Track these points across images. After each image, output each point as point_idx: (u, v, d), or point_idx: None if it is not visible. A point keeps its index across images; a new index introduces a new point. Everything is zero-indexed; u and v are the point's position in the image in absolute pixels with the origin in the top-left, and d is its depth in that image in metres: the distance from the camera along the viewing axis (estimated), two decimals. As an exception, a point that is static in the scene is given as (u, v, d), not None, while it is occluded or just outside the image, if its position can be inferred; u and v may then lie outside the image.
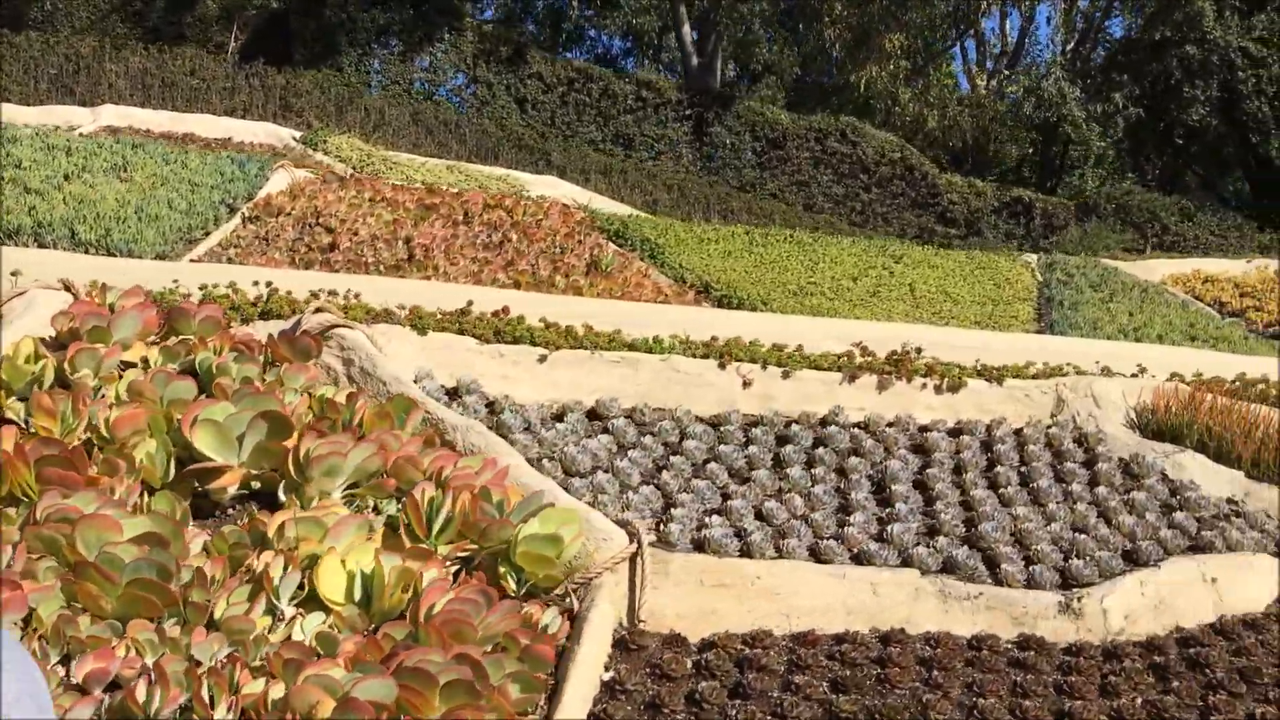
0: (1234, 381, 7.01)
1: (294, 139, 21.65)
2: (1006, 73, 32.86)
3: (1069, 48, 36.89)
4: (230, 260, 11.57)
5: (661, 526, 4.63)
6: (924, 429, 6.04)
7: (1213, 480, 5.90)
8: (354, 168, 20.48)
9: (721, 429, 5.62)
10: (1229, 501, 5.83)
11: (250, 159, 14.24)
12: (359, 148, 21.53)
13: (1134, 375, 6.81)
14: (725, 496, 5.09)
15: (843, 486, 5.38)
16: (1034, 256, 19.39)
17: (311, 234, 12.61)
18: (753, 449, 5.48)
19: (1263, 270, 19.32)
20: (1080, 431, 6.14)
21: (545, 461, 4.89)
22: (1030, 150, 39.06)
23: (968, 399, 6.25)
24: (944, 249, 20.05)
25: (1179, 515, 5.47)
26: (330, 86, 23.53)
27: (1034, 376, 6.47)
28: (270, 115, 22.80)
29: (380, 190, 14.41)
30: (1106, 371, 6.73)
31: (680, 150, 29.84)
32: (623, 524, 4.44)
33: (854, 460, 5.55)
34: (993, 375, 6.33)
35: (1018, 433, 6.15)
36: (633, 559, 4.31)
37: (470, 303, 6.06)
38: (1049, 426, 6.20)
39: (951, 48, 34.22)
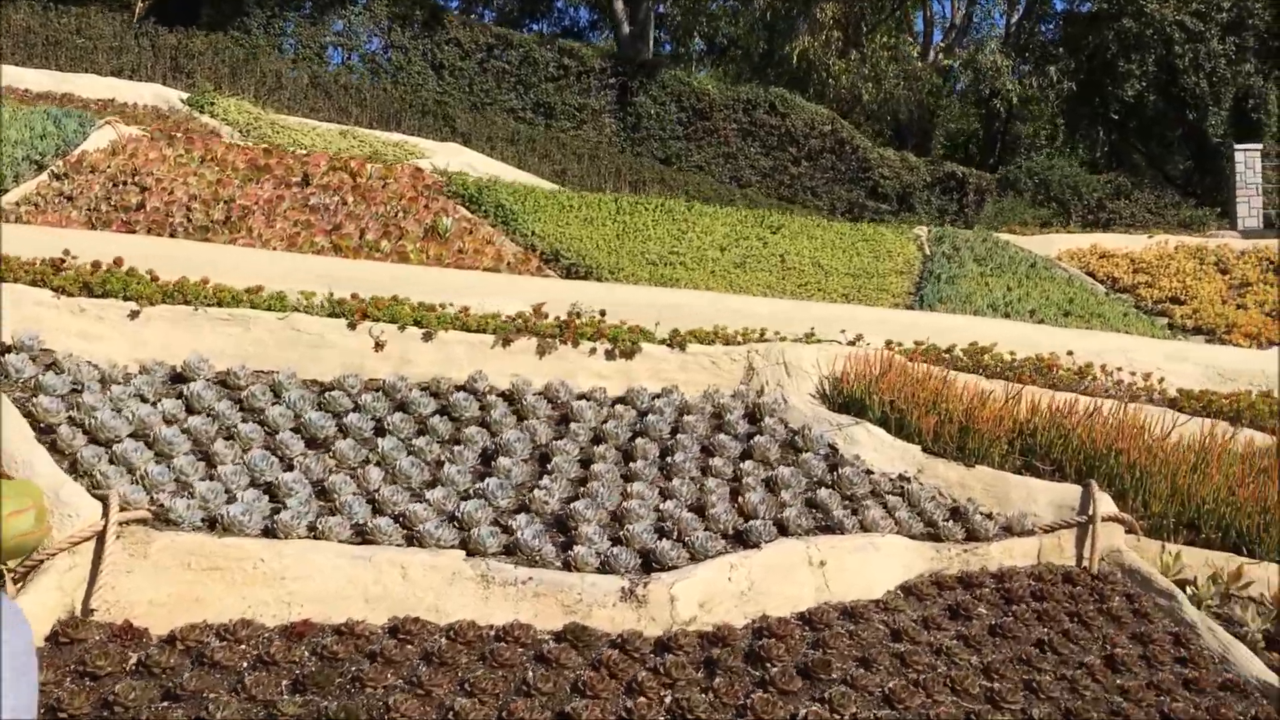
0: (966, 350, 6.51)
1: (181, 101, 21.01)
2: (942, 44, 32.26)
3: (1013, 21, 36.32)
4: (19, 220, 10.98)
5: (169, 501, 4.11)
6: (583, 396, 5.53)
7: (887, 455, 5.41)
8: (241, 131, 19.90)
9: (330, 394, 5.10)
10: (900, 478, 5.34)
11: (70, 115, 13.60)
12: (247, 110, 20.89)
13: (851, 343, 6.32)
14: (289, 468, 4.58)
15: (448, 458, 4.87)
16: (924, 230, 18.90)
17: (121, 193, 12.02)
18: (353, 417, 4.96)
19: (1162, 246, 18.86)
20: (757, 402, 5.64)
21: (65, 428, 4.37)
22: (977, 126, 38.64)
23: (643, 366, 5.74)
24: (850, 222, 19.56)
25: (822, 493, 4.98)
26: (225, 48, 22.83)
27: (727, 343, 5.97)
28: (160, 77, 22.13)
29: (212, 149, 13.81)
30: (811, 338, 6.24)
31: (603, 120, 29.25)
32: (101, 497, 3.92)
33: (472, 430, 5.04)
34: (675, 341, 5.82)
35: (707, 401, 5.65)
36: (100, 537, 3.80)
37: (67, 252, 5.51)
38: (728, 395, 5.70)
39: (886, 19, 33.56)
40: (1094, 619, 4.72)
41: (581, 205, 15.67)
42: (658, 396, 5.60)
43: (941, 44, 31.90)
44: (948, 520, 5.02)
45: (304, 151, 15.62)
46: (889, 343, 6.43)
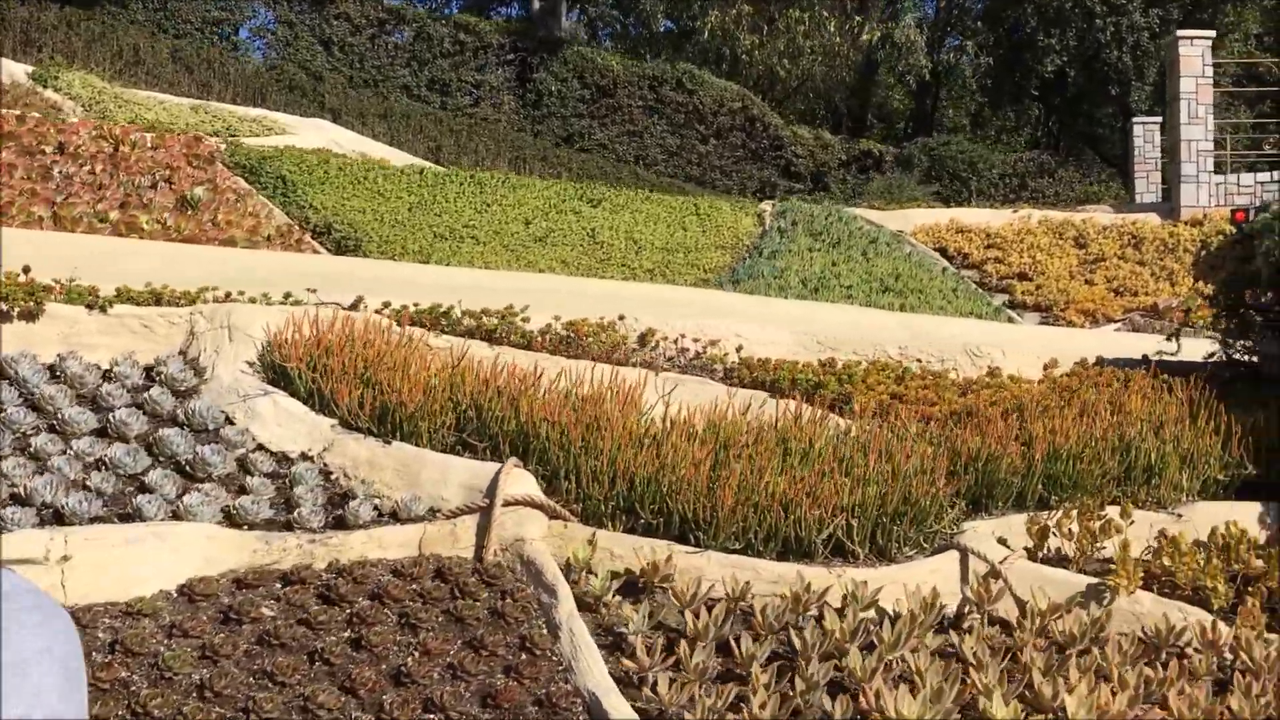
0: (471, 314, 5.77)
1: (26, 75, 20.30)
2: (858, 19, 31.40)
3: (943, -4, 35.39)
4: None
5: None
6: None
7: (294, 431, 4.70)
8: (84, 106, 19.22)
9: None
10: (303, 457, 4.63)
11: None
12: (92, 85, 20.18)
13: (295, 303, 5.58)
14: None
15: None
16: (770, 204, 18.15)
17: None
18: None
19: (1024, 220, 18.07)
20: (167, 371, 4.92)
21: None
22: (910, 103, 37.80)
23: (50, 329, 5.02)
24: (692, 195, 18.83)
25: (154, 475, 4.26)
26: (79, 22, 22.09)
27: (170, 303, 5.24)
28: (9, 51, 21.39)
29: (-40, 118, 13.10)
30: (266, 299, 5.51)
31: (502, 97, 28.49)
32: None
33: None
34: (96, 302, 5.10)
35: (108, 371, 4.94)
36: None
37: None
38: (138, 364, 4.98)
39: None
40: (438, 621, 4.00)
41: (381, 177, 14.94)
42: (55, 365, 4.89)
43: (859, 19, 31.00)
44: (312, 508, 4.31)
45: (139, 126, 14.92)
46: (405, 307, 5.70)
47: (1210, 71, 18.77)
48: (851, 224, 17.04)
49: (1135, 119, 24.06)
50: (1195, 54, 18.61)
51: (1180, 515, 5.47)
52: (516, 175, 20.96)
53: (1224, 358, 6.51)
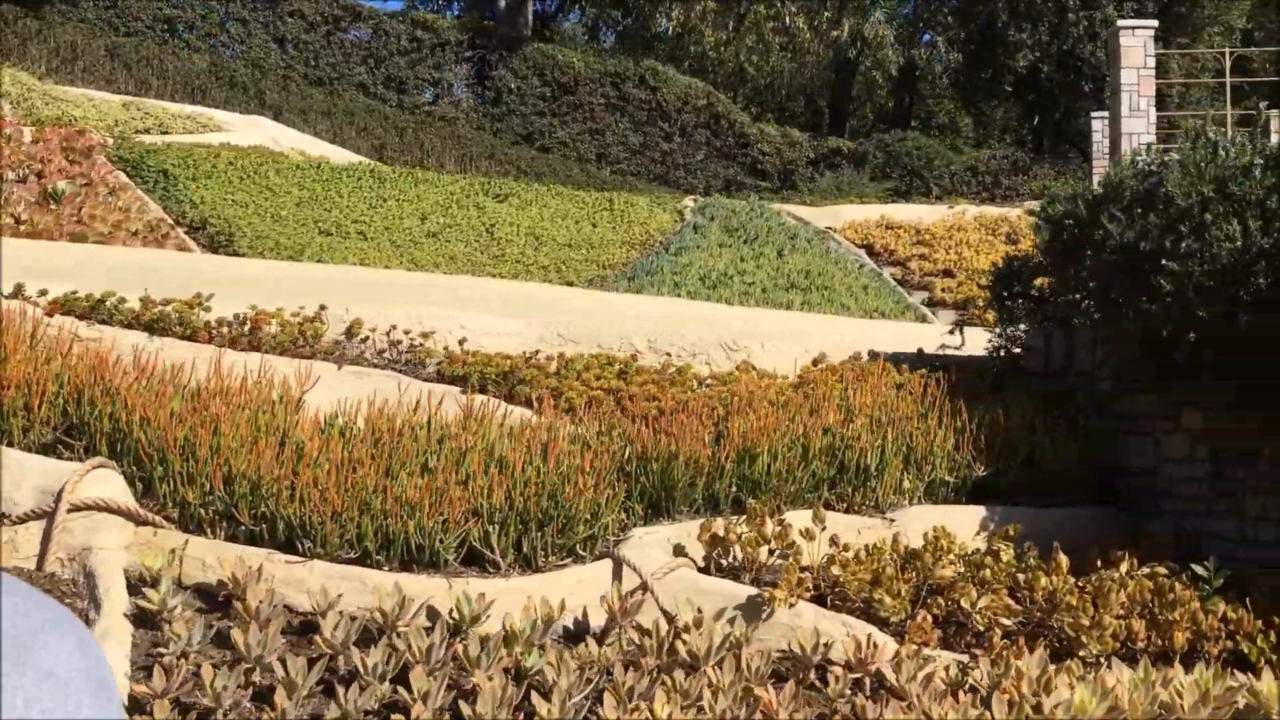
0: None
1: (-44, 73, 20.13)
2: (827, 15, 30.91)
3: (920, -8, 34.84)
4: None
5: None
6: None
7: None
8: (12, 103, 19.01)
9: None
10: None
11: None
12: (21, 82, 19.98)
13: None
14: None
15: None
16: (693, 200, 17.73)
17: None
18: None
19: (959, 216, 17.58)
20: None
21: None
22: (891, 101, 37.26)
23: None
24: (615, 190, 18.44)
25: None
26: (16, 19, 21.90)
27: None
28: (-56, 48, 21.22)
29: None
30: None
31: (460, 95, 28.19)
32: None
33: None
34: None
35: None
36: None
37: None
38: None
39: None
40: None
41: (273, 172, 14.61)
42: None
43: (828, 14, 30.50)
44: None
45: (24, 121, 14.66)
46: (61, 297, 5.32)
47: (1152, 63, 18.20)
48: (773, 220, 16.60)
49: (1094, 113, 23.50)
50: (1137, 45, 18.04)
51: (892, 520, 5.03)
52: (449, 173, 20.64)
53: (1004, 351, 6.05)
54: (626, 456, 4.75)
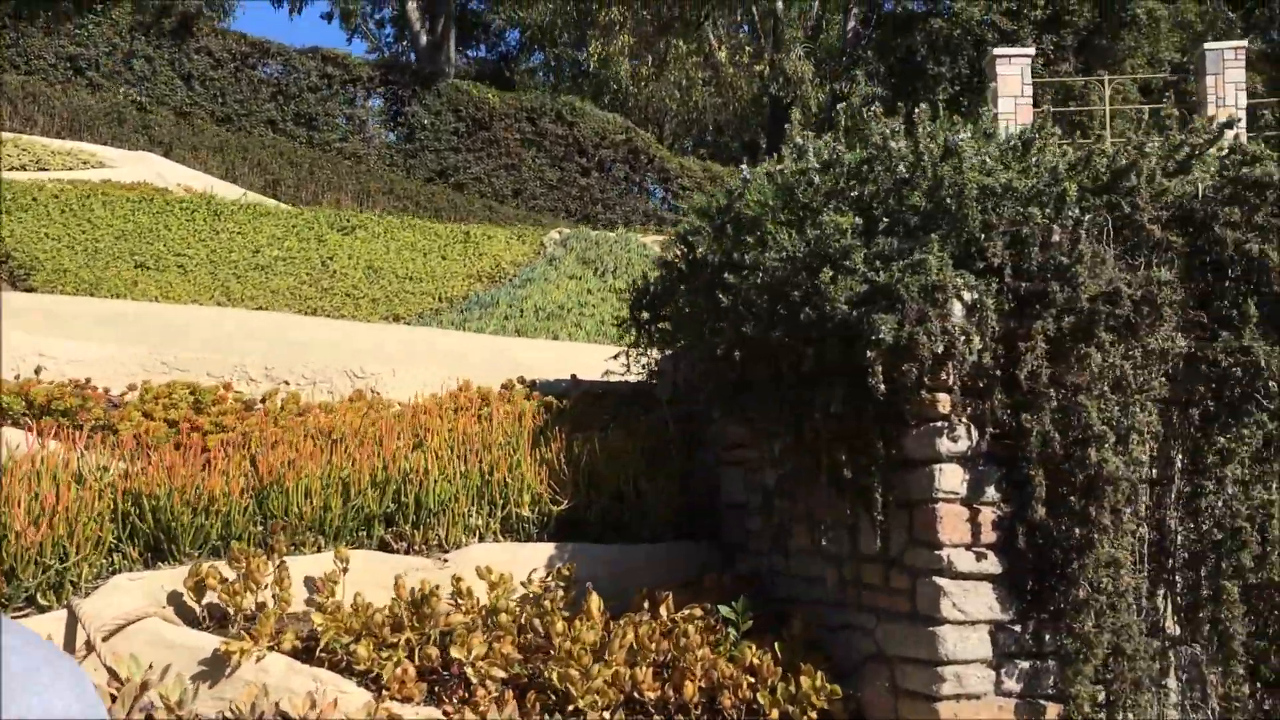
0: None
1: None
2: (748, 49, 30.78)
3: (849, 27, 34.81)
4: None
5: None
6: None
7: None
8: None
9: None
10: None
11: None
12: (-106, 118, 19.69)
13: None
14: None
15: None
16: (558, 232, 17.38)
17: None
18: None
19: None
20: None
21: None
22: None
23: None
24: (475, 224, 18.13)
25: None
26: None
27: None
28: None
29: None
30: None
31: (371, 131, 27.94)
32: None
33: None
34: None
35: None
36: None
37: None
38: None
39: (702, 24, 32.06)
40: None
41: (100, 205, 14.22)
42: None
43: (748, 50, 30.39)
44: None
45: None
46: None
47: (1030, 91, 17.99)
48: (637, 252, 16.23)
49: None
50: (1014, 73, 17.83)
51: (446, 560, 4.59)
52: (347, 208, 20.32)
53: (645, 375, 5.64)
54: (126, 492, 4.31)
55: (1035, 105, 18.17)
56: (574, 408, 5.37)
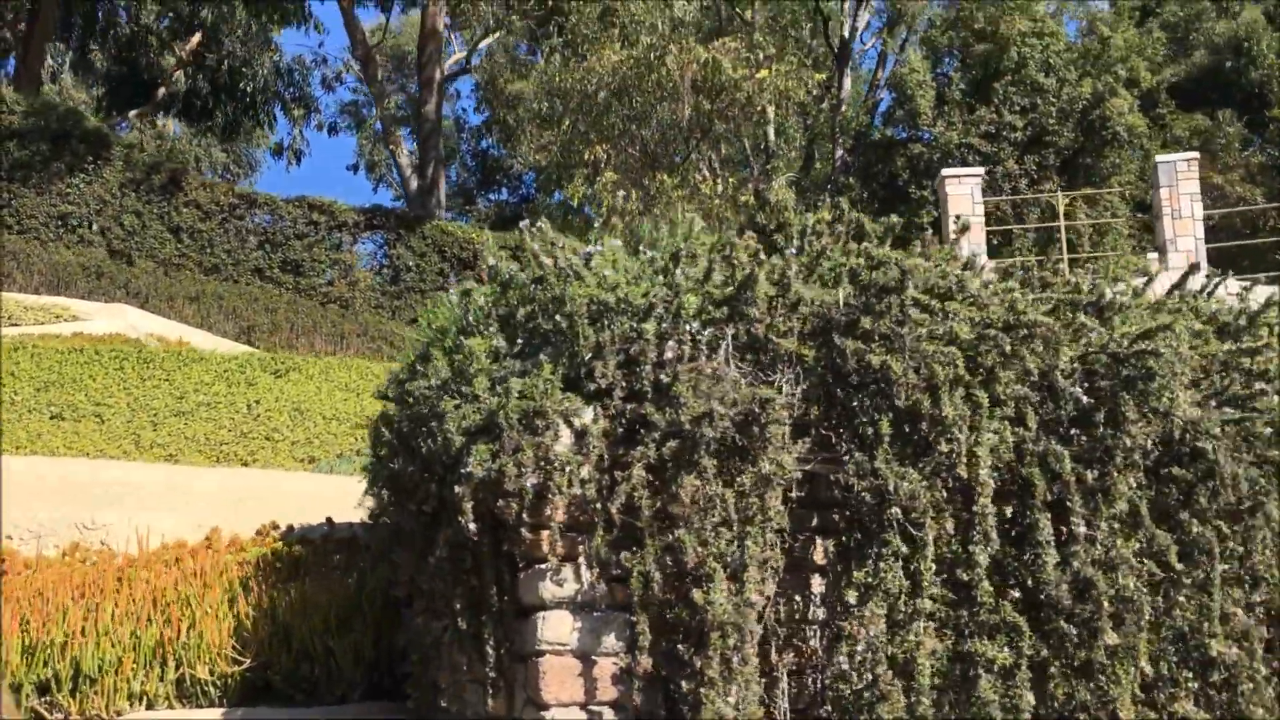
0: None
1: None
2: (731, 179, 31.01)
3: (837, 155, 35.18)
4: None
5: None
6: None
7: None
8: None
9: None
10: None
11: None
12: None
13: None
14: None
15: None
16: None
17: None
18: None
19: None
20: None
21: None
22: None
23: None
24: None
25: None
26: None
27: None
28: None
29: None
30: None
31: (357, 274, 28.26)
32: None
33: None
34: None
35: None
36: None
37: None
38: None
39: (688, 158, 32.44)
40: None
41: (28, 357, 14.24)
42: None
43: (732, 179, 30.63)
44: None
45: None
46: None
47: (981, 210, 17.81)
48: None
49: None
50: (964, 192, 17.69)
51: (100, 731, 4.22)
52: (320, 353, 20.35)
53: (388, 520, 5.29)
54: None
55: (988, 224, 18.00)
56: (305, 555, 5.02)
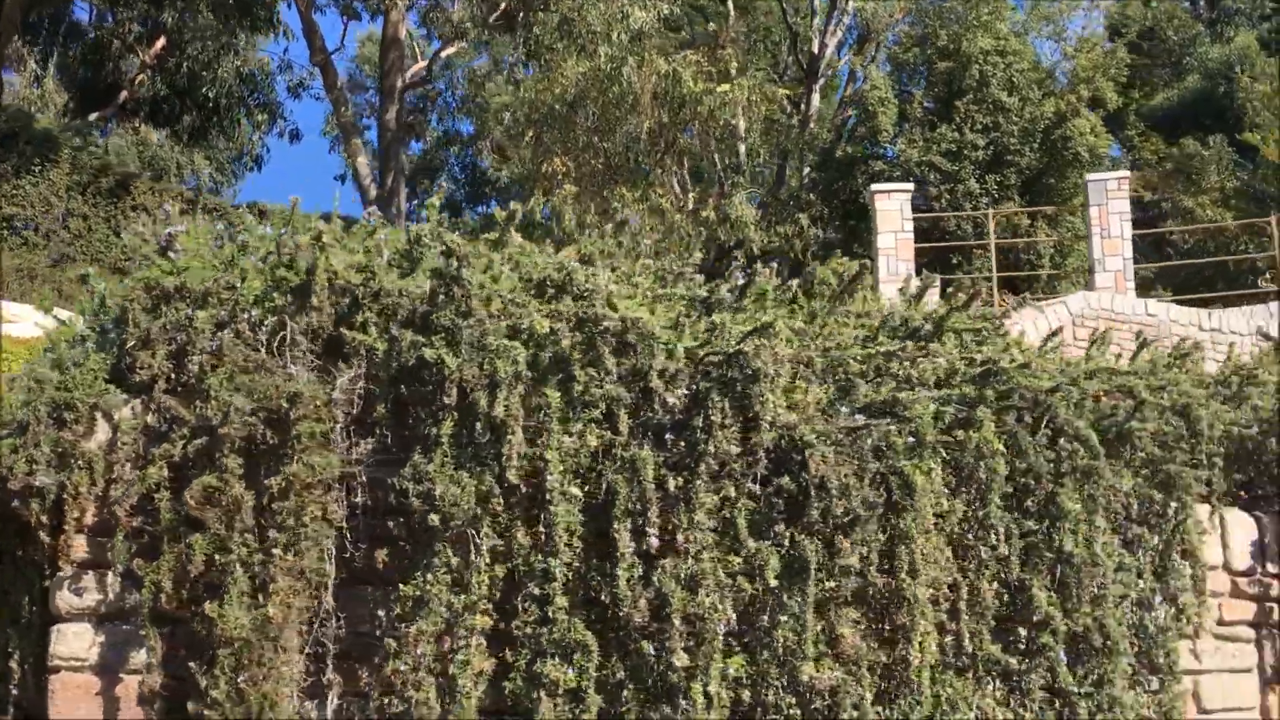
0: None
1: None
2: (692, 195, 30.79)
3: (805, 174, 34.97)
4: None
5: None
6: None
7: None
8: None
9: None
10: None
11: None
12: None
13: None
14: None
15: None
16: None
17: None
18: None
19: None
20: None
21: None
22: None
23: None
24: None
25: None
26: None
27: None
28: None
29: None
30: None
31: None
32: None
33: None
34: None
35: None
36: None
37: None
38: None
39: (651, 173, 32.19)
40: None
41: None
42: None
43: (694, 194, 30.41)
44: None
45: None
46: None
47: (910, 226, 17.53)
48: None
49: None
50: (893, 208, 17.41)
51: None
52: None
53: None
54: None
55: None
56: None
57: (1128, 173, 17.12)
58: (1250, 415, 4.33)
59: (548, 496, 3.01)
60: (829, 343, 3.54)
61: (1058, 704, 3.59)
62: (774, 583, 3.11)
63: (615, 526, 3.06)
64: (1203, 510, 3.94)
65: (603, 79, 29.93)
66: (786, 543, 3.17)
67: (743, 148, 34.04)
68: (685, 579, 3.06)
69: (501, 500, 3.03)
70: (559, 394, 3.07)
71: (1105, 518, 3.76)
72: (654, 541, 3.06)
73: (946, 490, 3.52)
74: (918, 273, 18.31)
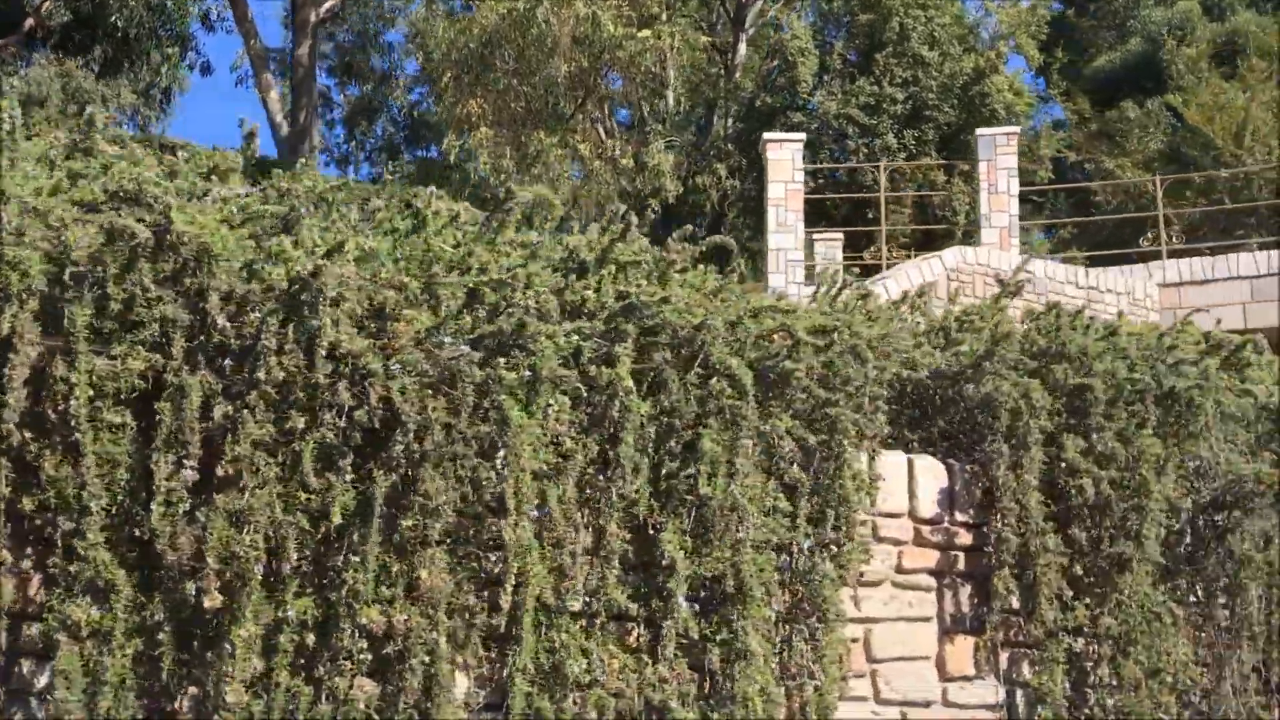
0: None
1: None
2: (610, 142, 30.40)
3: (730, 123, 34.54)
4: None
5: None
6: None
7: None
8: None
9: None
10: None
11: None
12: None
13: None
14: None
15: None
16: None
17: None
18: None
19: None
20: None
21: None
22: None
23: None
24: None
25: None
26: None
27: None
28: None
29: None
30: None
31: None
32: None
33: None
34: None
35: None
36: None
37: None
38: None
39: (572, 117, 31.71)
40: None
41: None
42: None
43: (611, 142, 30.01)
44: None
45: None
46: None
47: (801, 176, 17.33)
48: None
49: (817, 236, 22.63)
50: (785, 158, 17.17)
51: None
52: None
53: None
54: None
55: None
56: None
57: (1016, 129, 17.02)
58: (953, 360, 4.16)
59: (72, 423, 2.77)
60: (434, 271, 3.31)
61: (696, 652, 3.43)
62: (338, 520, 2.91)
63: (155, 458, 2.84)
64: (867, 456, 3.77)
65: (520, 20, 29.31)
66: (367, 481, 2.96)
67: (670, 96, 33.61)
68: (232, 515, 2.84)
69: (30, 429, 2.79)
70: (81, 310, 2.83)
71: (763, 462, 3.58)
72: (189, 475, 2.84)
73: (576, 428, 3.32)
74: (806, 224, 18.13)
